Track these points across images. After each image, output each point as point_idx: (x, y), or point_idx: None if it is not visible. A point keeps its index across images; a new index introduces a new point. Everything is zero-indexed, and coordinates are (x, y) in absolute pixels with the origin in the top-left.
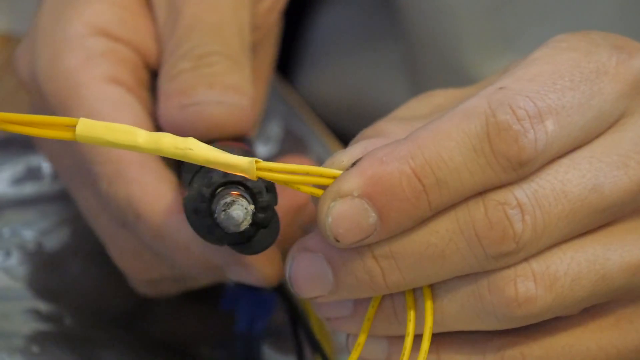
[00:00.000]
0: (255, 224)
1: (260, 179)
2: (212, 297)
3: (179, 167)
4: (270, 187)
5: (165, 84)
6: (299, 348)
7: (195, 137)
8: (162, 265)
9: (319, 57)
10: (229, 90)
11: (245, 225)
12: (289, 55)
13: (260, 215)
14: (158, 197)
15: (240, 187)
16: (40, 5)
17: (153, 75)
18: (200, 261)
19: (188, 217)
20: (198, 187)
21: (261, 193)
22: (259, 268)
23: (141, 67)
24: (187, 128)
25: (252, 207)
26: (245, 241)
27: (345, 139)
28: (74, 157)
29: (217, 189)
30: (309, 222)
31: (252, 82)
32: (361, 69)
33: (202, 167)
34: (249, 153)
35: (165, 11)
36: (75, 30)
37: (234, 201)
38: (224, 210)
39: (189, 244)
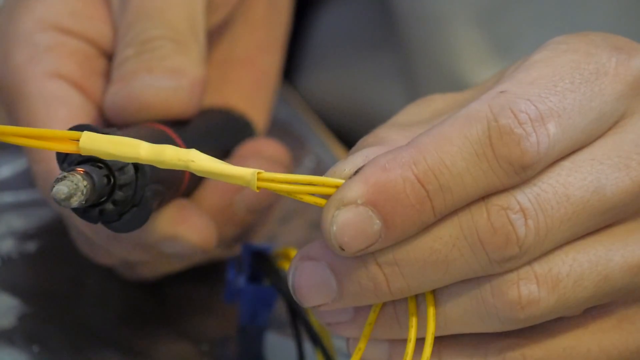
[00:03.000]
0: (117, 202)
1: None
2: (214, 291)
3: None
4: (139, 166)
5: (113, 72)
6: (298, 341)
7: (126, 119)
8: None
9: (319, 60)
10: (167, 73)
11: (75, 202)
12: (290, 57)
13: (120, 193)
14: None
15: (100, 165)
16: (2, 4)
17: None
18: (132, 245)
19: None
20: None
21: (122, 170)
22: (187, 238)
23: (96, 57)
24: (118, 110)
25: (85, 183)
26: (117, 219)
27: (344, 140)
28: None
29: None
30: (252, 202)
31: (202, 63)
32: (360, 72)
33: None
34: (166, 136)
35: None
36: (25, 26)
37: (64, 177)
38: (53, 187)
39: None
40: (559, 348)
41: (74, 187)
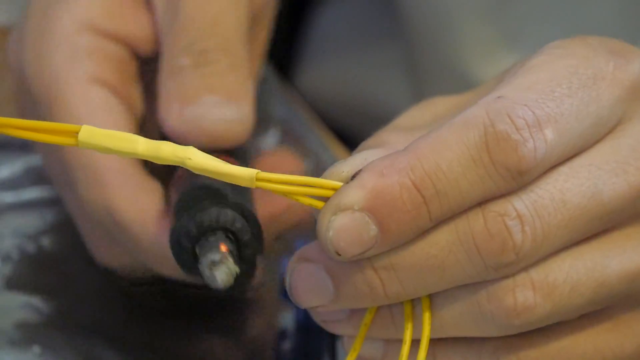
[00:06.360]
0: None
1: (248, 224)
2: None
3: (165, 177)
4: (257, 234)
5: (166, 79)
6: (332, 346)
7: (188, 143)
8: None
9: (319, 56)
10: (228, 97)
11: (229, 284)
12: (289, 54)
13: (244, 266)
14: (137, 207)
15: (230, 236)
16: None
17: (145, 61)
18: (177, 270)
19: (172, 249)
20: (187, 224)
21: (247, 246)
22: None
23: (129, 59)
24: (188, 138)
25: (236, 269)
26: None
27: (345, 138)
28: (59, 160)
29: (206, 233)
30: (285, 231)
31: (250, 75)
32: (361, 69)
33: (196, 197)
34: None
35: (164, 1)
36: (63, 27)
37: (221, 262)
38: (209, 269)
39: (168, 256)
40: (554, 349)
41: (228, 272)
